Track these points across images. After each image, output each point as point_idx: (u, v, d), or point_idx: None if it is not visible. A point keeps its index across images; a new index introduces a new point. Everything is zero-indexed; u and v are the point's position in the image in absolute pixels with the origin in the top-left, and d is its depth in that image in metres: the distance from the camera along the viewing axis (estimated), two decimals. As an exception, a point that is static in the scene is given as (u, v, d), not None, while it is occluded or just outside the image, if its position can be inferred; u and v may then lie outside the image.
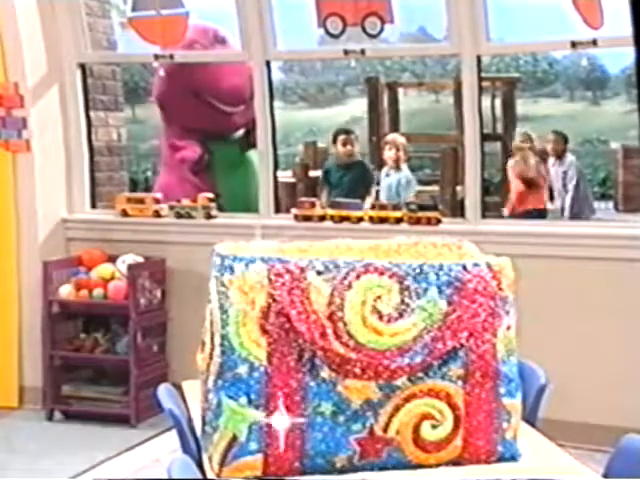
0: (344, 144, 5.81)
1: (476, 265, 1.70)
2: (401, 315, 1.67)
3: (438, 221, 3.84)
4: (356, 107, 14.15)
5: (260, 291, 1.66)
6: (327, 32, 3.84)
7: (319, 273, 1.67)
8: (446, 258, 1.77)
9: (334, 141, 5.97)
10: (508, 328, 1.72)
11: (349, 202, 4.27)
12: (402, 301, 1.68)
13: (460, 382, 1.67)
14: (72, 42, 4.35)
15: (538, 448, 1.78)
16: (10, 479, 3.34)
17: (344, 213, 4.07)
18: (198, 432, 1.82)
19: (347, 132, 6.01)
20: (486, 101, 7.35)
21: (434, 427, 1.67)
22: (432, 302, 1.68)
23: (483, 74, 3.93)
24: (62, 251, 4.48)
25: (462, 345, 1.67)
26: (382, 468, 1.65)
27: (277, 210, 4.36)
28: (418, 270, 1.69)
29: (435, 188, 7.95)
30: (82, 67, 4.48)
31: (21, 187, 4.37)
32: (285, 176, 7.66)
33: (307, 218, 4.14)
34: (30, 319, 4.34)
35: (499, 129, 8.56)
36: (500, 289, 1.70)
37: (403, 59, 11.99)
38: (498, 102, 8.52)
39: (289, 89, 16.48)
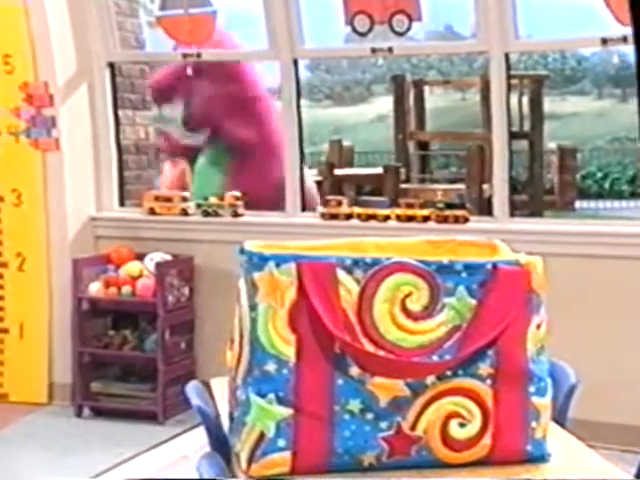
0: None
1: (506, 263, 1.69)
2: (430, 313, 1.66)
3: (466, 219, 3.83)
4: (382, 105, 14.11)
5: (289, 288, 1.66)
6: (354, 30, 3.83)
7: (348, 271, 1.67)
8: (476, 256, 1.76)
9: None
10: (538, 327, 1.70)
11: (376, 200, 4.28)
12: (431, 299, 1.67)
13: (489, 381, 1.66)
14: (101, 41, 4.39)
15: (568, 448, 1.76)
16: (41, 474, 3.37)
17: (371, 211, 4.08)
18: (226, 429, 1.82)
19: None
20: (513, 99, 7.30)
21: (462, 426, 1.66)
22: (461, 300, 1.66)
23: (511, 72, 3.91)
24: (91, 249, 4.53)
25: (491, 344, 1.66)
26: (411, 466, 1.65)
27: (303, 209, 4.37)
28: (447, 268, 1.67)
29: (461, 186, 7.93)
30: (111, 66, 4.52)
31: (51, 185, 4.42)
32: (311, 174, 7.67)
33: (334, 216, 4.15)
34: (60, 316, 4.39)
35: (526, 127, 8.51)
36: (530, 288, 1.69)
37: (429, 57, 11.95)
38: (525, 100, 8.47)
39: (315, 87, 16.48)
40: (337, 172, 8.10)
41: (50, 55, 4.22)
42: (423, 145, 9.16)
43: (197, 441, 3.25)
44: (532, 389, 1.68)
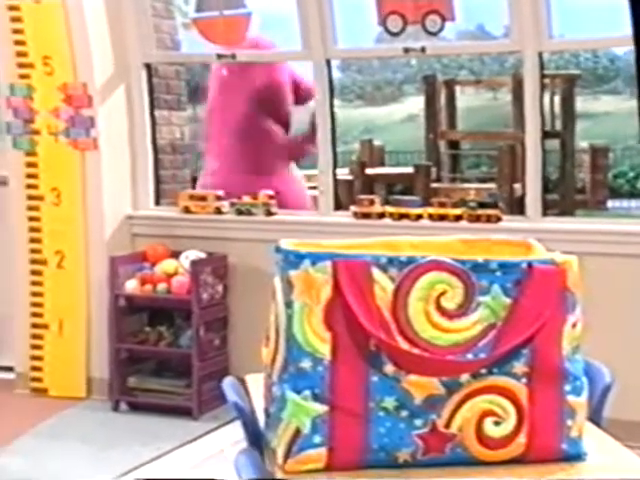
0: None
1: (542, 262, 1.67)
2: (465, 312, 1.65)
3: (498, 219, 3.80)
4: (413, 105, 14.07)
5: (324, 286, 1.65)
6: (387, 30, 3.82)
7: (383, 269, 1.66)
8: (510, 255, 1.74)
9: None
10: (574, 326, 1.68)
11: (408, 199, 4.26)
12: (466, 298, 1.65)
13: (524, 379, 1.64)
14: (138, 43, 4.42)
15: (604, 447, 1.74)
16: (81, 467, 3.40)
17: (403, 210, 4.06)
18: (261, 424, 1.83)
19: None
20: (545, 98, 7.23)
21: (497, 424, 1.64)
22: (496, 299, 1.65)
23: (544, 71, 3.88)
24: (128, 247, 4.56)
25: (527, 342, 1.64)
26: (446, 464, 1.64)
27: (336, 207, 4.37)
28: (482, 267, 1.66)
29: (492, 185, 7.88)
30: (147, 67, 4.55)
31: (89, 184, 4.46)
32: (342, 174, 7.67)
33: (366, 215, 4.14)
34: (98, 312, 4.43)
35: (558, 126, 8.43)
36: (566, 287, 1.67)
37: (460, 57, 11.88)
38: (557, 99, 8.39)
39: (346, 87, 16.47)
40: (368, 171, 8.08)
41: (89, 57, 4.26)
42: (454, 144, 9.11)
43: (232, 436, 3.27)
44: (568, 388, 1.66)
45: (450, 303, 1.64)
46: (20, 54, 4.30)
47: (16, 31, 4.27)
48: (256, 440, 1.82)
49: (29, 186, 4.48)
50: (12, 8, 4.24)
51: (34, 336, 4.53)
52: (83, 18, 4.20)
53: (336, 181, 4.41)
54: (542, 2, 3.50)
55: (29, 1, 4.19)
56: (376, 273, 1.65)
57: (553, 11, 3.58)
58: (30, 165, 4.46)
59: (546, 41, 3.56)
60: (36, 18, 4.23)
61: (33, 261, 4.51)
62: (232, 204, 4.46)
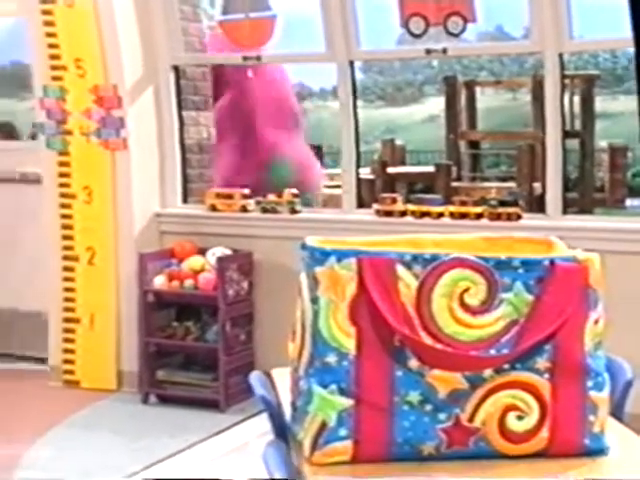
0: None
1: (564, 260, 1.65)
2: (488, 308, 1.64)
3: (518, 217, 3.77)
4: (433, 105, 14.02)
5: (350, 283, 1.65)
6: (409, 32, 3.80)
7: (407, 266, 1.65)
8: (532, 253, 1.73)
9: None
10: (596, 322, 1.67)
11: (430, 198, 4.25)
12: (489, 294, 1.64)
13: (547, 375, 1.63)
14: (167, 45, 4.44)
15: (626, 442, 1.72)
16: (112, 457, 3.42)
17: (425, 209, 4.05)
18: (287, 417, 1.83)
19: None
20: (565, 98, 7.18)
21: (520, 418, 1.63)
22: (519, 296, 1.64)
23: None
24: (156, 244, 4.58)
25: (549, 338, 1.63)
26: (469, 457, 1.63)
27: (359, 206, 4.37)
28: (505, 264, 1.65)
29: (511, 184, 7.83)
30: (175, 69, 4.57)
31: (119, 183, 4.49)
32: (364, 173, 7.66)
33: (388, 213, 4.13)
34: (127, 308, 4.45)
35: (577, 126, 8.36)
36: (588, 284, 1.65)
37: (480, 58, 11.82)
38: (577, 99, 8.32)
39: (367, 88, 16.44)
40: (390, 170, 8.06)
41: (119, 59, 4.28)
42: (474, 144, 9.06)
43: (257, 429, 3.28)
44: (590, 383, 1.65)
45: (473, 299, 1.63)
46: (53, 57, 4.33)
47: (49, 34, 4.30)
48: (282, 432, 1.82)
49: (62, 185, 4.51)
50: (46, 12, 4.27)
51: (66, 330, 4.57)
52: (114, 22, 4.23)
53: (359, 180, 4.40)
54: (562, 3, 3.47)
55: (62, 5, 4.21)
56: (400, 270, 1.64)
57: (573, 12, 3.55)
58: (63, 164, 4.49)
59: (567, 42, 3.52)
60: (69, 22, 4.25)
61: (65, 257, 4.55)
62: (257, 202, 4.46)
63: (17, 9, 4.43)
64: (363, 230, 3.93)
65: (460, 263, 1.64)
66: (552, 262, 1.65)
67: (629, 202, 9.20)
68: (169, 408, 4.10)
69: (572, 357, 1.63)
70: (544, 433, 1.63)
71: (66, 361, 4.56)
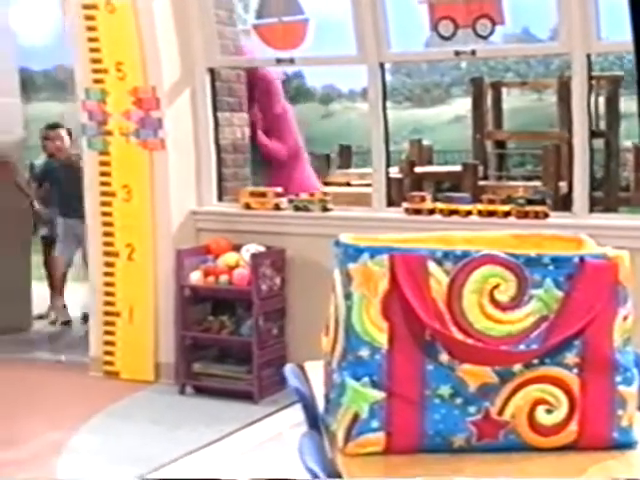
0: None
1: (594, 257, 1.63)
2: (518, 304, 1.62)
3: (546, 215, 3.73)
4: (460, 106, 13.95)
5: (382, 279, 1.64)
6: (439, 34, 3.78)
7: (438, 262, 1.64)
8: (561, 250, 1.71)
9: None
10: (625, 319, 1.64)
11: (458, 196, 4.22)
12: (519, 291, 1.63)
13: (576, 369, 1.61)
14: (203, 48, 4.45)
15: (654, 436, 1.70)
16: (151, 446, 3.44)
17: (453, 207, 4.02)
18: (319, 409, 1.82)
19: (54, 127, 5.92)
20: (590, 99, 7.08)
21: (549, 412, 1.61)
22: (549, 292, 1.62)
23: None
24: (192, 240, 4.60)
25: (578, 334, 1.61)
26: (499, 449, 1.61)
27: (389, 204, 4.35)
28: (535, 261, 1.63)
29: (537, 183, 7.76)
30: (211, 71, 4.58)
31: (157, 182, 4.51)
32: (392, 172, 7.63)
33: (417, 211, 4.11)
34: (164, 302, 4.48)
35: (602, 126, 8.26)
36: (617, 280, 1.63)
37: (507, 59, 11.72)
38: (602, 100, 8.22)
39: (396, 90, 16.39)
40: (417, 170, 8.02)
41: (158, 62, 4.30)
42: (500, 144, 8.99)
43: (290, 420, 3.28)
44: (618, 378, 1.62)
45: (503, 296, 1.61)
46: (95, 60, 4.36)
47: (92, 39, 4.33)
48: (315, 423, 1.82)
49: (102, 183, 4.55)
50: (88, 18, 4.30)
51: (107, 323, 4.60)
52: (153, 27, 4.25)
53: (389, 179, 4.38)
54: (591, 4, 3.42)
55: (104, 11, 4.24)
56: (432, 266, 1.63)
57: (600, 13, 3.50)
58: (103, 164, 4.52)
59: (594, 43, 3.47)
60: (110, 27, 4.28)
61: (106, 253, 4.58)
62: (290, 200, 4.47)
63: (61, 15, 4.47)
64: (392, 228, 3.92)
65: (490, 260, 1.63)
66: (582, 259, 1.63)
67: None
68: (205, 399, 4.12)
69: (601, 352, 1.61)
70: (573, 426, 1.61)
71: (106, 352, 4.60)
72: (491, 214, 3.85)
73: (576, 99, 3.64)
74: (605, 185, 7.61)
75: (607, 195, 7.57)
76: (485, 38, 3.70)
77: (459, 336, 1.60)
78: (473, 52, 3.79)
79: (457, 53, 3.84)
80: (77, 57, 4.41)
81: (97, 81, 4.40)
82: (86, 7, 4.29)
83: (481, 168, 8.05)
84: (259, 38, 4.36)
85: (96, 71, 4.39)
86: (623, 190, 8.53)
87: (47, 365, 4.68)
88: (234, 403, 4.03)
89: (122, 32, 4.27)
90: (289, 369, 2.06)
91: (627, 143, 8.93)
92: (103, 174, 4.55)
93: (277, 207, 4.47)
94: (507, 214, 3.82)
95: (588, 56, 3.54)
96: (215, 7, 4.55)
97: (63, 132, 5.89)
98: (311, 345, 2.14)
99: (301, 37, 4.27)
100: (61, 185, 5.74)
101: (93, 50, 4.35)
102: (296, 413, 1.95)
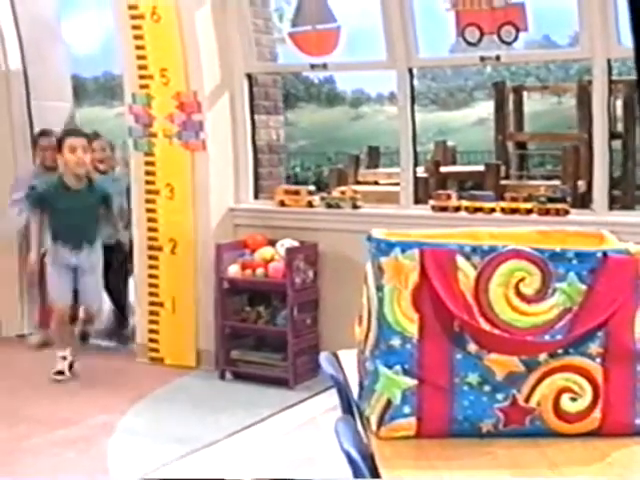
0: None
1: (616, 252, 1.61)
2: (542, 297, 1.60)
3: (566, 212, 3.69)
4: (483, 109, 13.83)
5: (413, 272, 1.63)
6: (465, 40, 3.75)
7: (466, 257, 1.63)
8: (584, 245, 1.69)
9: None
10: (646, 311, 1.62)
11: (483, 194, 4.19)
12: (543, 284, 1.61)
13: (599, 359, 1.59)
14: (241, 55, 4.46)
15: (673, 424, 1.67)
16: (194, 428, 3.45)
17: (478, 204, 3.99)
18: (353, 395, 1.82)
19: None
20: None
21: (573, 400, 1.59)
22: (572, 285, 1.60)
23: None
24: (231, 235, 4.62)
25: (601, 326, 1.58)
26: (525, 435, 1.60)
27: (416, 201, 4.32)
28: (559, 256, 1.61)
29: (556, 182, 7.66)
30: (249, 77, 4.58)
31: (198, 181, 4.53)
32: (418, 172, 7.58)
33: (443, 209, 4.08)
34: (205, 293, 4.50)
35: (620, 128, 8.13)
36: (638, 275, 1.60)
37: (528, 65, 11.59)
38: (619, 103, 8.09)
39: (421, 93, 16.30)
40: (442, 169, 7.97)
41: (199, 68, 4.32)
42: (521, 145, 8.89)
43: (323, 405, 3.27)
44: (640, 368, 1.60)
45: (528, 289, 1.60)
46: (141, 67, 4.39)
47: (138, 47, 4.36)
48: (349, 408, 1.82)
49: (147, 182, 4.58)
50: (135, 27, 4.33)
51: (151, 312, 4.64)
52: (195, 35, 4.26)
53: (416, 178, 4.36)
54: (611, 10, 3.37)
55: (150, 20, 4.27)
56: (460, 260, 1.62)
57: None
58: (148, 164, 4.55)
59: (615, 48, 3.42)
60: (155, 35, 4.30)
61: (150, 247, 4.62)
62: (322, 198, 4.46)
63: (111, 25, 4.50)
64: (419, 224, 3.89)
65: (516, 254, 1.61)
66: (605, 254, 1.61)
67: None
68: (243, 384, 4.13)
69: (623, 343, 1.59)
70: (596, 414, 1.59)
71: (151, 340, 4.64)
72: (514, 211, 3.81)
73: (596, 102, 3.59)
74: (623, 184, 7.49)
75: (624, 193, 7.45)
76: (509, 44, 3.67)
77: (486, 327, 1.58)
78: (497, 57, 3.75)
79: (482, 58, 3.80)
80: (125, 64, 4.44)
81: (143, 86, 4.43)
82: (134, 17, 4.32)
83: (503, 168, 7.98)
84: (294, 45, 4.36)
85: (142, 77, 4.41)
86: (639, 189, 8.41)
87: (95, 351, 4.72)
88: (270, 389, 4.04)
89: (166, 40, 4.29)
90: (324, 357, 2.05)
91: (644, 144, 8.79)
92: (148, 173, 4.58)
93: (310, 204, 4.47)
94: (529, 211, 3.78)
95: (608, 61, 3.49)
96: (253, 17, 4.56)
97: (101, 143, 4.89)
98: (342, 334, 2.14)
99: (333, 44, 4.26)
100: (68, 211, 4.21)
101: (140, 57, 4.37)
102: (329, 399, 1.95)
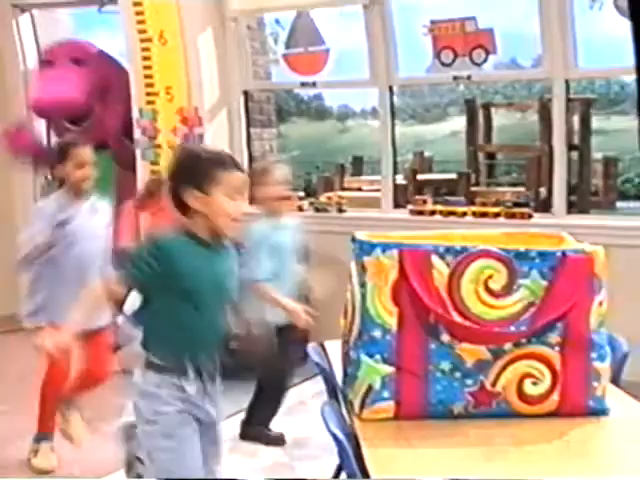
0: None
1: (574, 252, 1.62)
2: (508, 292, 1.61)
3: (530, 216, 3.70)
4: (455, 123, 13.86)
5: (392, 270, 1.63)
6: (440, 62, 3.76)
7: (441, 256, 1.63)
8: (546, 246, 1.70)
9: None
10: (600, 304, 1.63)
11: (455, 200, 4.20)
12: (509, 280, 1.62)
13: (558, 348, 1.60)
14: (239, 74, 4.44)
15: (623, 404, 1.69)
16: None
17: (451, 209, 3.99)
18: (337, 381, 1.82)
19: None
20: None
21: (535, 384, 1.61)
22: (535, 282, 1.61)
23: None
24: (228, 237, 4.57)
25: (560, 318, 1.60)
26: (492, 416, 1.60)
27: (395, 206, 4.32)
28: (523, 255, 1.62)
29: (521, 189, 7.69)
30: (245, 94, 4.57)
31: (198, 187, 4.48)
32: (398, 179, 7.56)
33: (420, 213, 4.08)
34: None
35: (576, 141, 8.19)
36: (594, 272, 1.61)
37: (496, 84, 11.65)
38: (577, 118, 8.14)
39: (401, 109, 16.32)
40: (419, 177, 7.99)
41: (200, 86, 4.30)
42: (490, 155, 8.94)
43: (311, 390, 3.26)
44: (594, 355, 1.61)
45: (496, 285, 1.61)
46: (148, 85, 4.36)
47: (146, 67, 4.34)
48: (334, 393, 1.82)
49: (153, 189, 4.55)
50: (144, 49, 4.32)
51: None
52: (198, 57, 4.25)
53: (395, 185, 4.36)
54: (570, 37, 3.39)
55: (157, 43, 4.25)
56: (435, 260, 1.62)
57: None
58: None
59: (572, 70, 3.44)
60: (162, 56, 4.28)
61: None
62: (311, 203, 4.46)
63: (122, 47, 4.47)
64: (399, 227, 3.88)
65: (485, 254, 1.62)
66: (564, 254, 1.62)
67: (619, 204, 9.06)
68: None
69: (579, 333, 1.60)
70: (555, 397, 1.60)
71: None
72: (483, 215, 3.82)
73: (556, 117, 3.61)
74: (578, 191, 7.54)
75: (580, 199, 7.49)
76: (479, 65, 3.68)
77: (458, 319, 1.59)
78: (469, 77, 3.76)
79: (455, 78, 3.81)
80: (133, 82, 4.41)
81: (149, 102, 4.41)
82: (143, 40, 4.31)
83: (474, 176, 8.01)
84: (287, 65, 4.35)
85: (148, 94, 4.39)
86: (593, 195, 8.47)
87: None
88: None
89: (171, 61, 4.27)
90: (312, 347, 2.06)
91: (597, 155, 8.86)
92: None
93: (300, 208, 4.46)
94: (497, 215, 3.79)
95: (566, 81, 3.51)
96: (250, 40, 4.55)
97: None
98: (329, 327, 2.13)
99: (322, 64, 4.25)
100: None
101: (147, 76, 4.35)
102: (316, 385, 1.94)
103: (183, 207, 1.68)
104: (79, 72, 4.34)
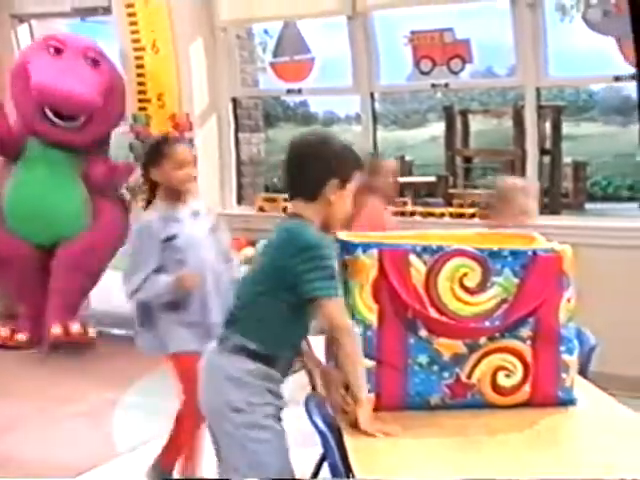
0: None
1: (544, 251, 1.63)
2: (482, 289, 1.62)
3: (504, 217, 3.70)
4: (435, 129, 13.90)
5: (372, 269, 1.63)
6: (420, 70, 3.77)
7: (418, 255, 1.64)
8: (518, 245, 1.71)
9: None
10: (568, 301, 1.64)
11: (433, 201, 4.21)
12: (483, 278, 1.63)
13: (529, 342, 1.61)
14: (227, 82, 4.43)
15: (590, 394, 1.70)
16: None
17: (429, 210, 4.01)
18: (321, 374, 1.81)
19: None
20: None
21: (507, 376, 1.61)
22: (507, 279, 1.62)
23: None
24: (217, 237, 4.55)
25: (531, 313, 1.61)
26: (468, 406, 1.61)
27: (376, 207, 4.29)
28: (497, 254, 1.63)
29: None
30: (234, 100, 4.56)
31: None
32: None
33: (400, 213, 4.10)
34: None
35: (548, 145, 8.25)
36: (562, 270, 1.63)
37: (473, 91, 11.71)
38: (548, 125, 8.20)
39: (383, 115, 16.35)
40: (400, 180, 8.00)
41: (191, 93, 4.28)
42: (467, 159, 8.98)
43: (297, 383, 3.25)
44: (563, 348, 1.63)
45: (471, 282, 1.61)
46: (141, 92, 4.34)
47: (139, 74, 4.32)
48: (319, 386, 1.82)
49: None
50: (138, 58, 4.30)
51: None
52: (189, 65, 4.23)
53: (377, 187, 4.36)
54: (541, 48, 3.42)
55: (150, 52, 4.23)
56: (413, 258, 1.63)
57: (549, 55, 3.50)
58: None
59: (543, 79, 3.46)
60: (154, 65, 4.26)
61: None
62: (297, 205, 4.46)
63: (116, 55, 4.44)
64: (380, 227, 3.89)
65: (460, 253, 1.63)
66: (534, 252, 1.63)
67: (588, 206, 9.15)
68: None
69: (550, 328, 1.61)
70: (527, 388, 1.61)
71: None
72: (460, 216, 3.84)
73: (528, 123, 3.63)
74: (549, 193, 7.60)
75: (551, 201, 7.56)
76: (457, 74, 3.70)
77: (435, 315, 1.59)
78: (447, 85, 3.78)
79: (433, 85, 3.83)
80: (127, 89, 4.39)
81: (142, 108, 4.39)
82: (136, 49, 4.29)
83: (451, 179, 8.05)
84: (274, 73, 4.34)
85: (141, 100, 4.37)
86: (564, 196, 8.54)
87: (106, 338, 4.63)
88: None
89: (163, 69, 4.25)
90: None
91: (567, 159, 8.93)
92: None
93: (285, 210, 4.46)
94: (472, 216, 3.81)
95: (538, 89, 3.53)
96: (239, 48, 4.54)
97: None
98: (312, 323, 2.12)
99: (308, 72, 4.25)
100: None
101: (140, 84, 4.33)
102: (302, 378, 1.95)
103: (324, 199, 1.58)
104: (96, 73, 3.97)
